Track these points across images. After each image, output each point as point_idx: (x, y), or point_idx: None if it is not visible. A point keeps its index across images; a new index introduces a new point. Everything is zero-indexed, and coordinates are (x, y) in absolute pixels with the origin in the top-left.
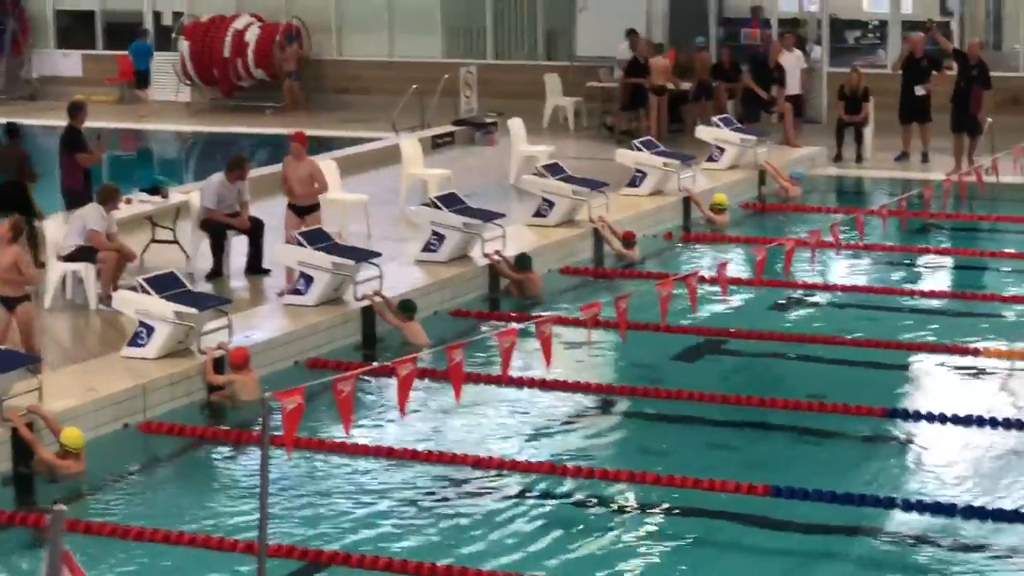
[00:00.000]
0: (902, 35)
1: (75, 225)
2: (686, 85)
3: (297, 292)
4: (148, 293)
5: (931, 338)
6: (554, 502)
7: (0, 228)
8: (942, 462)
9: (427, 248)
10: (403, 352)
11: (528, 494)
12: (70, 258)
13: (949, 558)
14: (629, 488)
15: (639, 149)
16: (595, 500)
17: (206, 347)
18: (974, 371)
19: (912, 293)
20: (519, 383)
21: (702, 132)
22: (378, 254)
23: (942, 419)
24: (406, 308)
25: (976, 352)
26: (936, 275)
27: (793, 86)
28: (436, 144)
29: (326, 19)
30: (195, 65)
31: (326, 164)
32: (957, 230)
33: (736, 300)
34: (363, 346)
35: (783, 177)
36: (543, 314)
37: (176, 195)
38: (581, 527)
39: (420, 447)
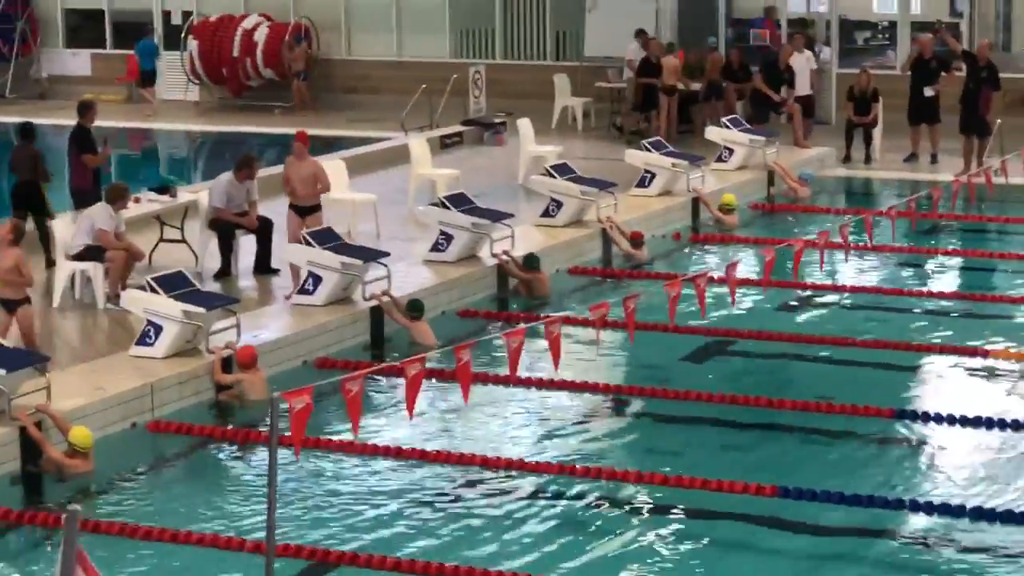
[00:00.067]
0: (911, 36)
1: (83, 224)
2: (696, 86)
3: (306, 292)
4: (156, 292)
5: (940, 339)
6: (561, 502)
7: (1, 230)
8: (950, 464)
9: (435, 248)
10: (411, 352)
11: (535, 494)
12: (78, 257)
13: (957, 560)
14: (637, 489)
15: (648, 149)
16: (603, 501)
17: (214, 346)
18: (983, 372)
19: (921, 294)
20: (527, 383)
21: (711, 133)
22: (387, 254)
23: (951, 420)
24: (413, 308)
25: (985, 353)
26: (945, 276)
27: (803, 87)
28: (445, 144)
29: (335, 19)
30: (204, 64)
31: (335, 164)
32: (966, 231)
33: (745, 301)
34: (372, 346)
35: (792, 178)
36: (551, 314)
37: (185, 194)
38: (587, 527)
39: (428, 447)
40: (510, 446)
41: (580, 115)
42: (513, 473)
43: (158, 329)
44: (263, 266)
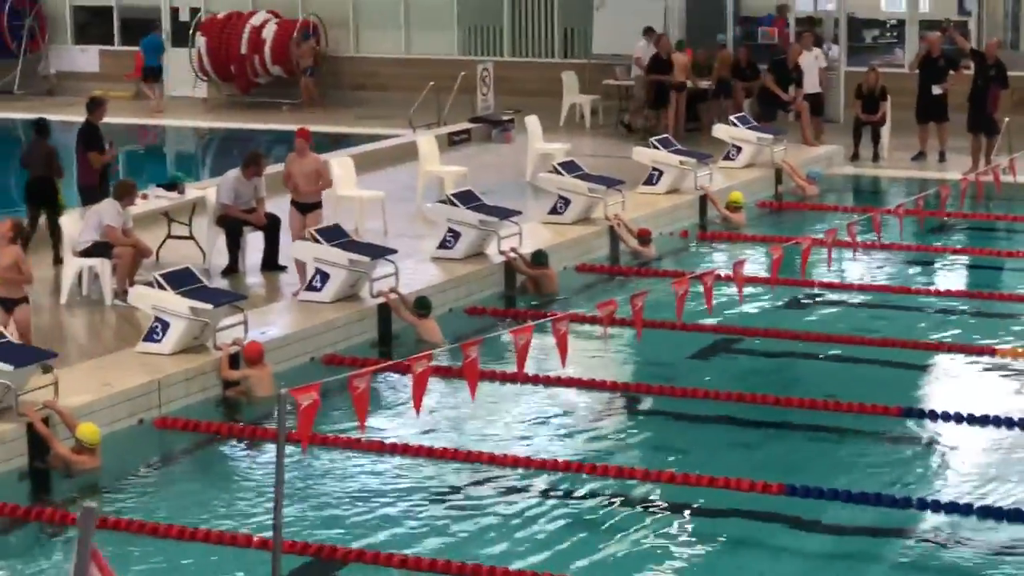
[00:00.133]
0: (919, 34)
1: (91, 221)
2: (704, 83)
3: (313, 288)
4: (164, 289)
5: (948, 338)
6: (568, 500)
7: (1, 227)
8: (958, 462)
9: (443, 245)
10: (418, 350)
11: (541, 491)
12: (86, 254)
13: (965, 559)
14: (644, 487)
15: (656, 147)
16: (609, 498)
17: (221, 343)
18: (991, 371)
19: (929, 293)
20: (534, 381)
21: (719, 131)
22: (394, 251)
23: (958, 419)
24: (421, 305)
25: (993, 352)
26: (953, 275)
27: (811, 85)
28: (453, 141)
29: (343, 15)
30: (212, 61)
31: (343, 161)
32: (974, 230)
33: (752, 299)
34: (379, 343)
35: (800, 176)
36: (559, 312)
37: (192, 191)
38: (593, 524)
39: (435, 444)
40: (517, 443)
41: (588, 113)
42: (520, 470)
43: (165, 325)
44: (271, 263)
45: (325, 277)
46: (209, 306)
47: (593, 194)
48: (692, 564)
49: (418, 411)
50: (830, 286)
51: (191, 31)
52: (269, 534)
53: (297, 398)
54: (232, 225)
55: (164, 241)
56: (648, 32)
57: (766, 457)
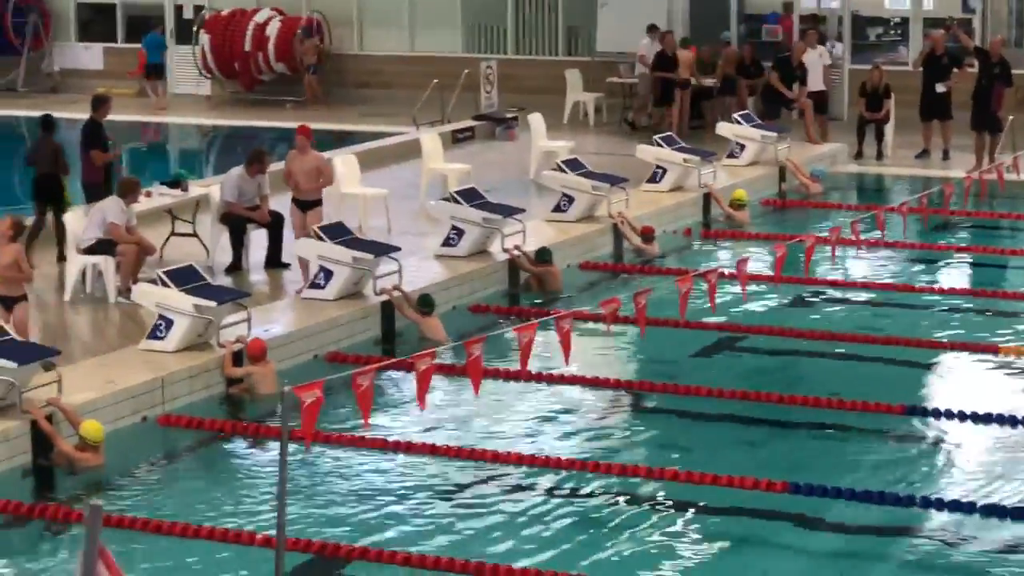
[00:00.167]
0: (923, 32)
1: (95, 218)
2: (708, 81)
3: (317, 286)
4: (167, 286)
5: (951, 336)
6: (572, 498)
7: (1, 226)
8: (962, 460)
9: (447, 243)
10: (422, 347)
11: (546, 489)
12: (90, 251)
13: (970, 557)
14: (648, 484)
15: (660, 145)
16: (613, 496)
17: (225, 340)
18: (995, 369)
19: (933, 291)
20: (538, 379)
21: (723, 128)
22: (398, 248)
23: (962, 417)
24: (424, 303)
25: (996, 350)
26: (957, 273)
27: (816, 82)
28: (456, 139)
29: (347, 13)
30: (216, 58)
31: (347, 158)
32: (978, 228)
33: (756, 297)
34: (383, 341)
35: (803, 174)
36: (562, 310)
37: (196, 188)
38: (597, 521)
39: (439, 442)
40: (521, 441)
41: (592, 110)
42: (524, 468)
43: (169, 323)
44: (274, 260)
45: (329, 275)
46: (213, 303)
47: (597, 192)
48: (696, 562)
49: (422, 408)
50: (834, 284)
51: (195, 28)
52: (273, 531)
53: (300, 396)
54: (236, 222)
55: (168, 238)
56: (652, 30)
57: (770, 455)
